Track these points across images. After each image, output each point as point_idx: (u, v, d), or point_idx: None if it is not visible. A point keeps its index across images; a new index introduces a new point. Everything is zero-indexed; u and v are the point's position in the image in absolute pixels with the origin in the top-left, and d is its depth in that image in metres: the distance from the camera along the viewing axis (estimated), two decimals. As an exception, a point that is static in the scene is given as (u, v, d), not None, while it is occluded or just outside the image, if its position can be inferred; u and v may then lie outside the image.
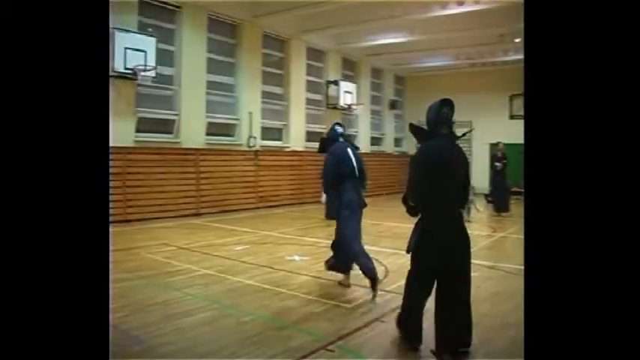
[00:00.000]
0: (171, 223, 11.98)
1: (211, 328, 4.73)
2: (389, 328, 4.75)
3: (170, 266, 7.26)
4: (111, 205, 11.57)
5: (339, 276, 6.40)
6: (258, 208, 15.02)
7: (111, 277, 6.45)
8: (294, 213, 14.55)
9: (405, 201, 4.26)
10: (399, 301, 5.60)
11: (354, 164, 6.24)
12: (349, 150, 6.35)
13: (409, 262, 4.25)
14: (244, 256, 8.05)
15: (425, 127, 4.25)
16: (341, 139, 6.46)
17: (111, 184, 11.55)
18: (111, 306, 5.27)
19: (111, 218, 11.42)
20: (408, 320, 4.27)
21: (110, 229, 10.06)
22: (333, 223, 12.39)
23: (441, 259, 3.98)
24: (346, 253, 6.15)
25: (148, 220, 12.03)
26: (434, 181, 4.00)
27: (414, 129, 4.35)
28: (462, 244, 4.09)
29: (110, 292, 5.79)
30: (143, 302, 5.45)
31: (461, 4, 12.87)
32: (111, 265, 7.11)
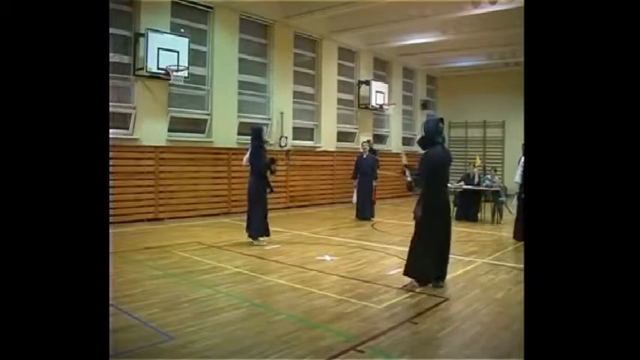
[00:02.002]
0: (203, 221, 12.05)
1: (242, 326, 4.73)
2: (420, 329, 4.70)
3: (201, 264, 7.30)
4: (143, 203, 11.75)
5: (368, 277, 6.59)
6: (289, 207, 15.03)
7: (144, 274, 6.58)
8: (324, 213, 14.52)
9: (410, 186, 6.90)
10: (430, 302, 5.59)
11: (248, 160, 9.21)
12: (250, 148, 9.21)
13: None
14: (275, 255, 8.06)
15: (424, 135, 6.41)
16: (256, 141, 9.16)
17: (143, 182, 11.74)
18: (143, 302, 5.37)
19: (143, 217, 11.60)
20: (422, 268, 6.13)
21: (142, 227, 10.10)
22: (364, 223, 12.47)
23: (437, 217, 6.14)
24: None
25: (179, 218, 12.13)
26: (435, 174, 6.18)
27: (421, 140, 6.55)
28: (446, 209, 6.40)
29: (145, 288, 5.88)
30: (174, 299, 5.49)
31: (493, 3, 12.61)
32: (142, 264, 7.21)
